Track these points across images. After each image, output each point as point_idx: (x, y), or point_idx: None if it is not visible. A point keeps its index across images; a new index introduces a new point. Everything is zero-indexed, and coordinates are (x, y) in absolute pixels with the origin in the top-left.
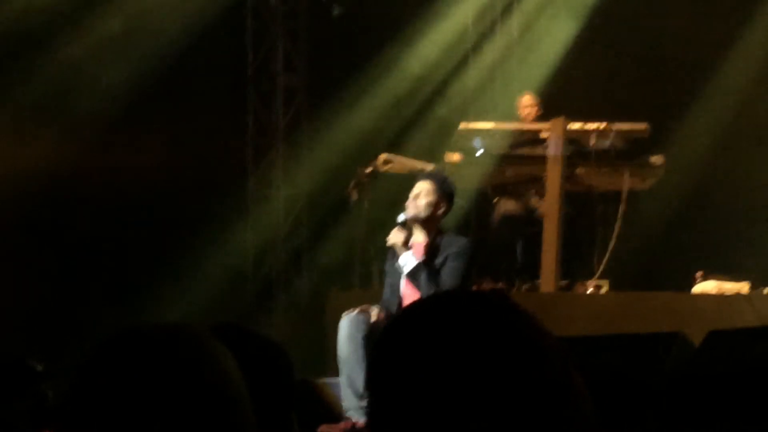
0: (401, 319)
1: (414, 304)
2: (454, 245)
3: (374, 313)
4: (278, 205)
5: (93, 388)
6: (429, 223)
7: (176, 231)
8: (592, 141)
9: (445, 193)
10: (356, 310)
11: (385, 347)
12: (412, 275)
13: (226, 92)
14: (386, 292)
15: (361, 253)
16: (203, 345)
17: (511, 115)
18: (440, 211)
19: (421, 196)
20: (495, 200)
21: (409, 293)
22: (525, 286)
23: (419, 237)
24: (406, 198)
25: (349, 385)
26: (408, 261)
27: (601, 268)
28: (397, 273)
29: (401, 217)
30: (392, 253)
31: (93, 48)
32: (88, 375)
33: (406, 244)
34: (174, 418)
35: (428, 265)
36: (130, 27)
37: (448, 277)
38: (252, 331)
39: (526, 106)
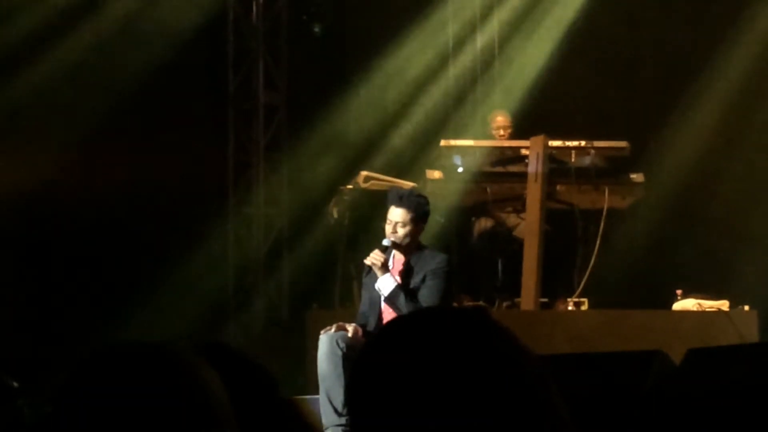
0: (380, 337)
1: (393, 322)
2: (432, 262)
3: (351, 329)
4: (259, 223)
5: (73, 408)
6: (408, 246)
7: (156, 249)
8: (573, 159)
9: (421, 216)
10: (333, 328)
11: (365, 365)
12: (390, 299)
13: (206, 110)
14: (364, 304)
15: (341, 271)
16: (185, 363)
17: (489, 132)
18: (418, 234)
19: (398, 227)
20: (475, 218)
21: (389, 311)
22: (505, 304)
23: (399, 254)
24: (386, 216)
25: (328, 403)
26: (386, 284)
27: (581, 286)
28: (375, 288)
29: (386, 242)
30: (372, 279)
31: (72, 64)
32: (68, 395)
33: (385, 266)
34: None
35: (406, 288)
36: (111, 44)
37: (426, 297)
38: (237, 350)
39: (500, 127)
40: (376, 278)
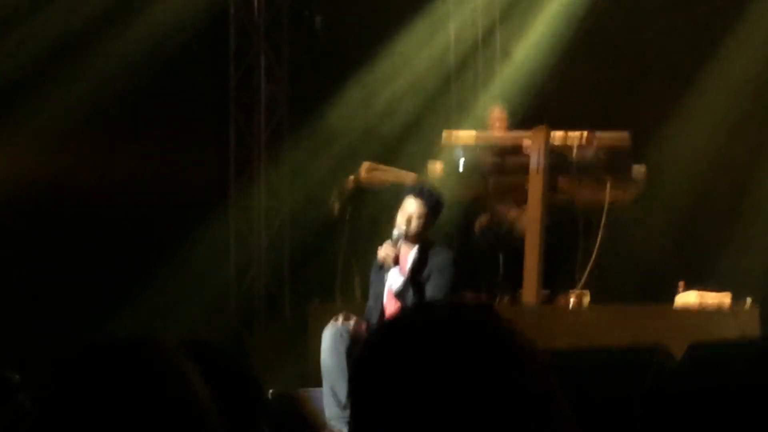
0: (383, 329)
1: (397, 315)
2: (438, 259)
3: (352, 322)
4: (260, 217)
5: (56, 405)
6: (417, 238)
7: (157, 244)
8: (574, 152)
9: (434, 211)
10: (340, 319)
11: (367, 358)
12: (399, 294)
13: (208, 104)
14: (370, 302)
15: (343, 265)
16: (166, 358)
17: (488, 125)
18: (429, 228)
19: (413, 219)
20: (476, 211)
21: (391, 305)
22: (506, 298)
23: (405, 249)
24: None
25: (331, 396)
26: (396, 279)
27: (583, 279)
28: (383, 283)
29: (396, 234)
30: (383, 271)
31: (73, 58)
32: (52, 392)
33: (396, 261)
34: (138, 430)
35: (414, 283)
36: (112, 37)
37: (433, 294)
38: (219, 348)
39: (496, 119)
40: (384, 272)
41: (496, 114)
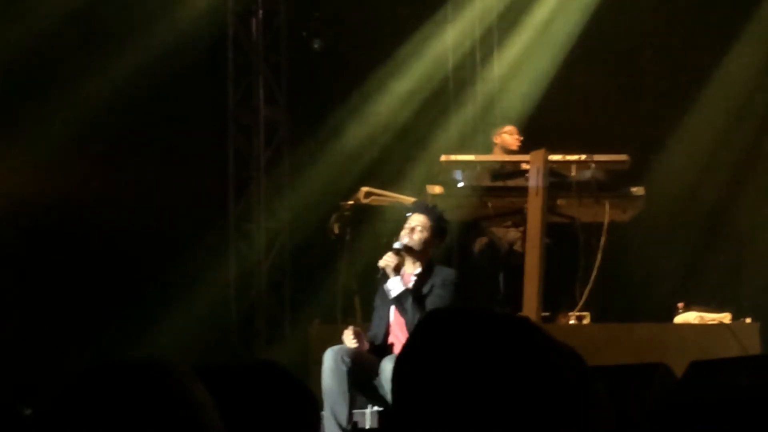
0: (425, 331)
1: (435, 313)
2: (441, 275)
3: (352, 331)
4: (260, 239)
5: (64, 424)
6: (421, 255)
7: (157, 265)
8: (573, 172)
9: (439, 229)
10: (350, 332)
11: (409, 357)
12: (398, 300)
13: (207, 125)
14: (374, 325)
15: (343, 286)
16: (174, 378)
17: (492, 147)
18: (433, 247)
19: (416, 231)
20: (475, 232)
21: (396, 325)
22: None
23: (409, 267)
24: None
25: (332, 419)
26: (395, 286)
27: (583, 299)
28: (387, 305)
29: (398, 245)
30: (383, 281)
31: (73, 80)
32: (60, 410)
33: (397, 270)
34: None
35: (415, 293)
36: (111, 59)
37: (434, 305)
38: (286, 370)
39: (514, 134)
40: (387, 284)
41: (510, 129)
